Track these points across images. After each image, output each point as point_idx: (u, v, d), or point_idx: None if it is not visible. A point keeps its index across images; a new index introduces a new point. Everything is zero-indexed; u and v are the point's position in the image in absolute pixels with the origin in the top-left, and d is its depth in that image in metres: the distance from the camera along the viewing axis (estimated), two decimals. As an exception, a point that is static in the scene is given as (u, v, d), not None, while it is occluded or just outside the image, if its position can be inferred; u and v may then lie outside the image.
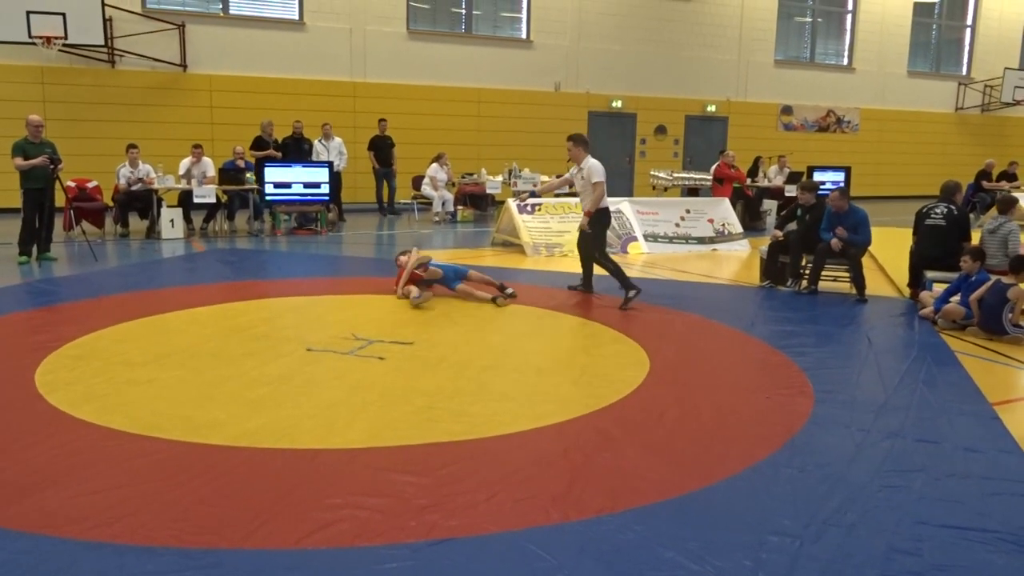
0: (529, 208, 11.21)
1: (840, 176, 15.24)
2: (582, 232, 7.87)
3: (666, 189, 15.21)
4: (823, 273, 8.22)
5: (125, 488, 3.41)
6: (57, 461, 3.68)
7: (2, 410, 4.37)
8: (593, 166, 7.73)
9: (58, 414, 4.31)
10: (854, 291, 8.08)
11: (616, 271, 7.64)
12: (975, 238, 7.72)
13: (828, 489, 3.54)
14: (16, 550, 2.91)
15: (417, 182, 15.14)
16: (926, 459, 3.93)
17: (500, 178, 15.29)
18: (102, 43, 13.72)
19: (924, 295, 7.48)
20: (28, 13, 12.69)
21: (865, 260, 8.23)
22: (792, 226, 8.64)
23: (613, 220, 11.28)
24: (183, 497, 3.33)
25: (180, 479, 3.50)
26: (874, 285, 8.47)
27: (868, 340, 6.43)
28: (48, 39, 12.87)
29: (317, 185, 12.44)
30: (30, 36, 12.78)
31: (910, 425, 4.41)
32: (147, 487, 3.42)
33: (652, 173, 15.51)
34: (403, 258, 7.84)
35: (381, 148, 14.97)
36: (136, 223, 12.04)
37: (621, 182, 19.23)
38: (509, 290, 7.60)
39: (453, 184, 15.25)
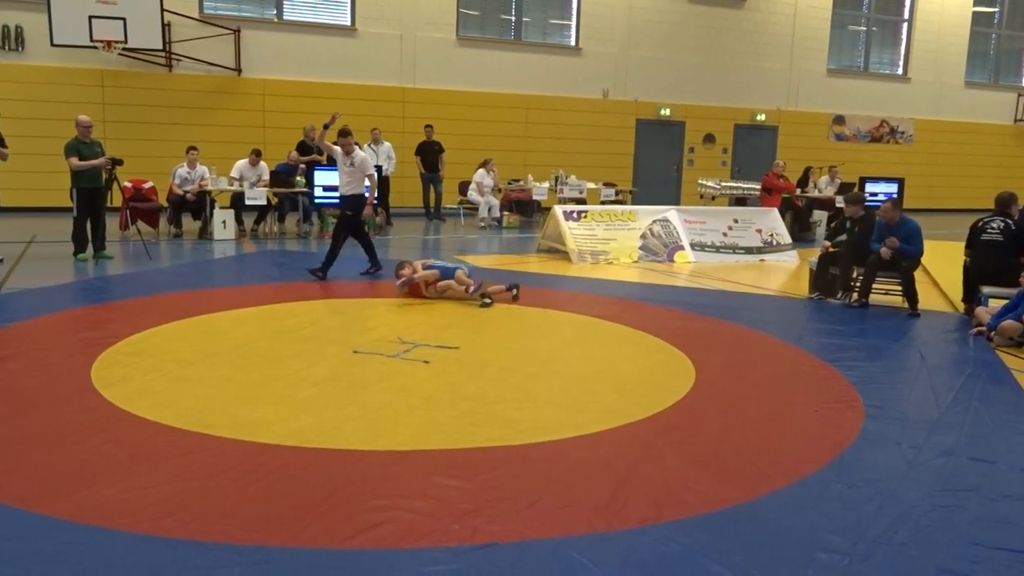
0: (575, 215, 11.23)
1: (893, 188, 14.95)
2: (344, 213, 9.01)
3: (714, 198, 15.08)
4: (874, 286, 8.08)
5: (176, 483, 3.48)
6: (111, 455, 3.77)
7: (59, 403, 4.49)
8: (365, 158, 9.08)
9: (112, 409, 4.42)
10: (906, 305, 7.92)
11: (332, 253, 8.70)
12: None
13: (878, 507, 3.47)
14: (70, 540, 2.98)
15: (463, 187, 15.23)
16: (980, 479, 3.83)
17: (546, 185, 15.31)
18: (160, 47, 14.07)
19: (980, 311, 7.30)
20: (90, 18, 13.05)
21: (918, 274, 8.06)
22: (842, 238, 8.51)
23: (660, 228, 11.33)
24: (233, 494, 3.39)
25: (230, 476, 3.56)
26: (927, 299, 8.29)
27: (920, 355, 6.29)
28: (109, 43, 13.23)
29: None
30: (91, 40, 13.14)
31: (964, 443, 4.30)
32: (198, 483, 3.48)
33: (700, 182, 15.40)
34: (404, 272, 7.86)
35: (428, 154, 15.08)
36: (189, 224, 12.31)
37: (668, 190, 19.14)
38: (488, 300, 7.64)
39: (499, 190, 15.30)
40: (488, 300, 7.56)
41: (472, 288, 7.65)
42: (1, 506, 3.23)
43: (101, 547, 2.94)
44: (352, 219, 8.99)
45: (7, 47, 13.98)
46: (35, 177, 13.62)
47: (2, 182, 12.38)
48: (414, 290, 7.83)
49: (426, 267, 7.88)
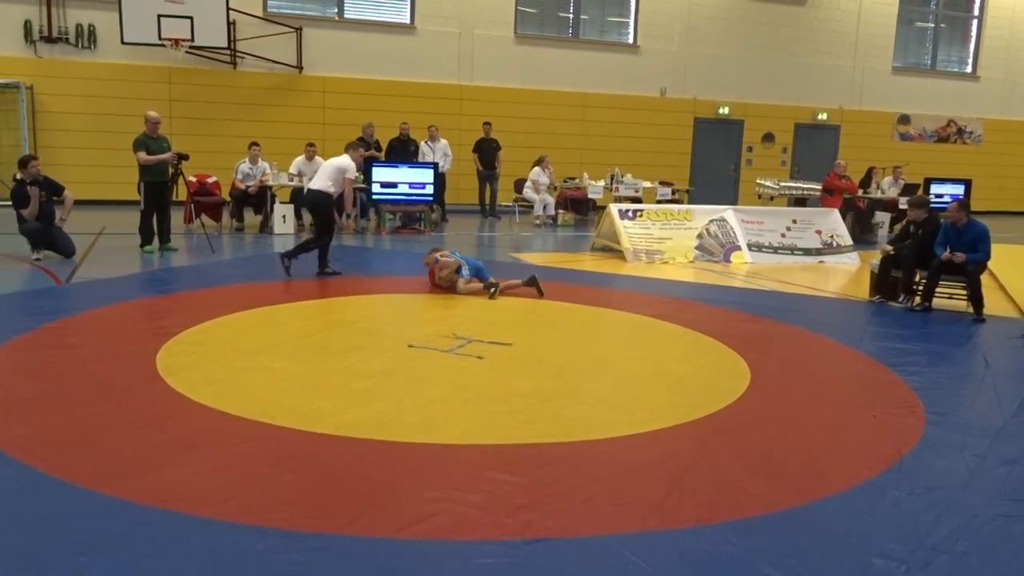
0: (631, 214, 11.19)
1: (959, 189, 14.55)
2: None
3: (772, 198, 14.86)
4: (938, 290, 7.88)
5: (237, 469, 3.57)
6: (175, 440, 3.89)
7: (127, 390, 4.64)
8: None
9: (177, 396, 4.55)
10: (971, 309, 7.72)
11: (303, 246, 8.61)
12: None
13: (938, 515, 3.40)
14: (136, 521, 3.09)
15: (519, 185, 15.26)
16: (1047, 490, 3.72)
17: (602, 183, 15.25)
18: (226, 45, 14.40)
19: (1049, 317, 7.08)
20: (159, 16, 13.43)
21: (984, 278, 7.84)
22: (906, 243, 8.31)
23: (717, 228, 11.21)
24: (291, 482, 3.47)
25: (288, 464, 3.64)
26: (993, 304, 8.05)
27: (985, 362, 6.12)
28: (176, 41, 13.58)
29: (422, 186, 12.69)
30: (160, 38, 13.52)
31: (1030, 453, 4.18)
32: (257, 470, 3.58)
33: (758, 182, 15.17)
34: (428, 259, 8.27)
35: (486, 151, 15.15)
36: (250, 218, 12.57)
37: (725, 190, 18.89)
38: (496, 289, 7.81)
39: (555, 188, 15.29)
40: (493, 290, 7.78)
41: (462, 272, 7.93)
42: (72, 487, 3.37)
43: (165, 529, 3.04)
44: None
45: (80, 45, 14.45)
46: (105, 171, 14.06)
47: (74, 175, 12.83)
48: (430, 277, 8.12)
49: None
